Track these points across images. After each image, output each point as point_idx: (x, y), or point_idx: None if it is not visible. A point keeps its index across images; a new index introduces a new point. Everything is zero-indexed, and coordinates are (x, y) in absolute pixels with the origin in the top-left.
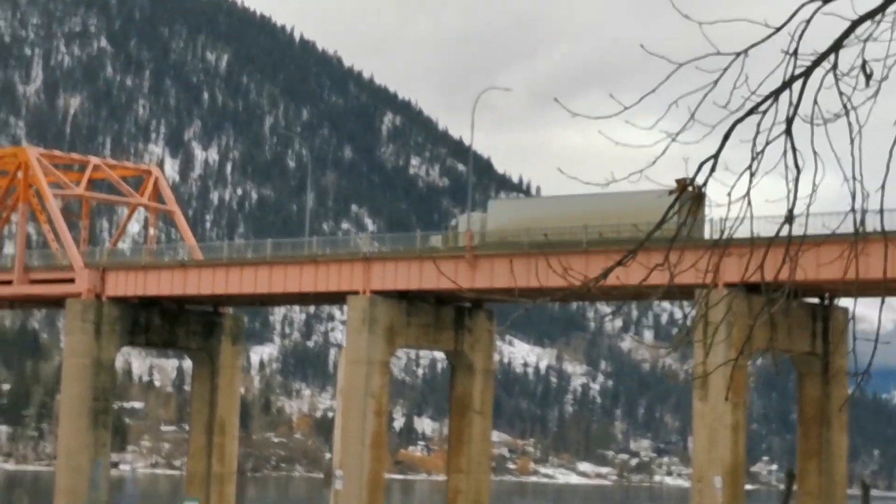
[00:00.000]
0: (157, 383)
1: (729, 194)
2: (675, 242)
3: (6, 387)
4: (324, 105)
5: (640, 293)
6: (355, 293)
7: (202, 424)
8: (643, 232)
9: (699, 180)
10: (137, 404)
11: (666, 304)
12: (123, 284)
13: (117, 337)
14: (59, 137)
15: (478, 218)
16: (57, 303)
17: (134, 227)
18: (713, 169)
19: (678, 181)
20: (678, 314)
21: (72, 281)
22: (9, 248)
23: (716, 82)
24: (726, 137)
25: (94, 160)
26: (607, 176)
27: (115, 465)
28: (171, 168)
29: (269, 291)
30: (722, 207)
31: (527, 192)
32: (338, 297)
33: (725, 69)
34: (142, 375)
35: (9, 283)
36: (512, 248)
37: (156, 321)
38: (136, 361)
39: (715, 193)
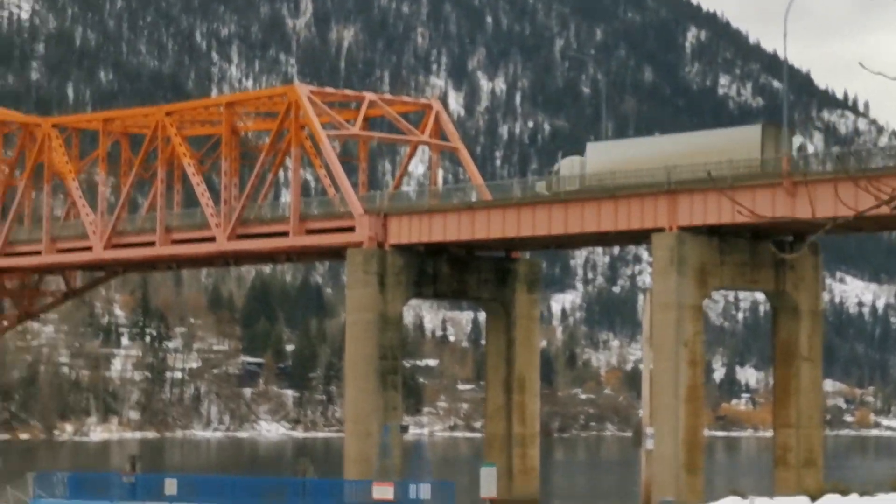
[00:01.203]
0: (451, 338)
1: None
2: None
3: (290, 347)
4: (619, 23)
5: None
6: (660, 230)
7: (499, 382)
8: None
9: None
10: (431, 362)
11: None
12: (407, 231)
13: (403, 289)
14: (333, 74)
15: (577, 161)
16: (337, 254)
17: (419, 168)
18: None
19: None
20: None
21: (351, 229)
22: (286, 196)
23: None
24: None
25: (369, 96)
26: None
27: (405, 428)
28: (455, 101)
29: (564, 232)
30: None
31: (853, 108)
32: (641, 236)
33: None
34: (434, 330)
35: (285, 234)
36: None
37: (444, 270)
38: (428, 315)
39: None
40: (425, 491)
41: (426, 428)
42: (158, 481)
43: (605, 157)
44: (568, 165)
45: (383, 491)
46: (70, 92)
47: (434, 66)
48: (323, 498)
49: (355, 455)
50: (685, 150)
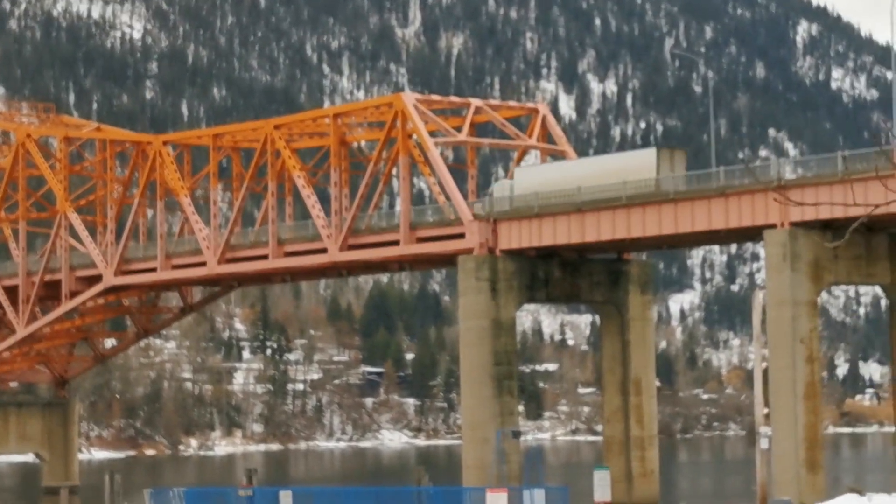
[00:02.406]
0: (570, 342)
1: None
2: None
3: (410, 356)
4: (729, 20)
5: None
6: (772, 227)
7: (616, 385)
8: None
9: None
10: (551, 366)
11: None
12: (517, 236)
13: (515, 294)
14: (443, 82)
15: (507, 184)
16: (449, 261)
17: None
18: None
19: None
20: None
21: (462, 236)
22: (399, 205)
23: None
24: None
25: (475, 102)
26: None
27: (517, 434)
28: (567, 105)
29: (675, 232)
30: None
31: None
32: (753, 233)
33: None
34: (553, 334)
35: (396, 243)
36: None
37: (555, 274)
38: (547, 319)
39: None
40: (539, 497)
41: (548, 432)
42: (275, 494)
43: (529, 180)
44: (499, 188)
45: (497, 498)
46: (184, 109)
47: (544, 70)
48: None
49: (473, 462)
50: (593, 172)
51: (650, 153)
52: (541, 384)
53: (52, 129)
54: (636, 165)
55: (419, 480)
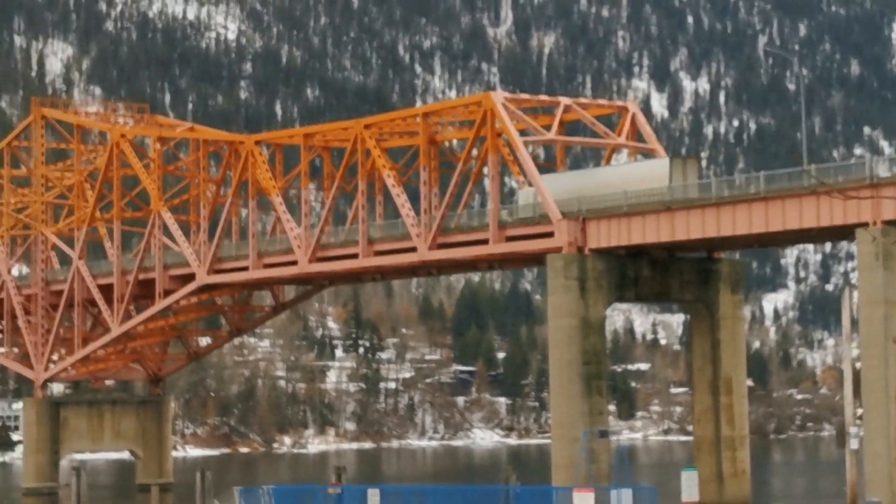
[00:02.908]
0: (662, 341)
1: None
2: None
3: (501, 355)
4: (823, 17)
5: None
6: (864, 225)
7: (706, 384)
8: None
9: None
10: (643, 366)
11: None
12: (606, 234)
13: (604, 293)
14: (534, 81)
15: (531, 192)
16: (539, 260)
17: None
18: None
19: None
20: None
21: (551, 235)
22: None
23: None
24: None
25: (564, 101)
26: None
27: (605, 433)
28: (659, 103)
29: (766, 230)
30: None
31: None
32: (845, 232)
33: None
34: (645, 334)
35: (485, 242)
36: None
37: (645, 272)
38: (639, 319)
39: None
40: (627, 497)
41: (640, 432)
42: (363, 492)
43: (552, 187)
44: (524, 196)
45: (584, 497)
46: (278, 109)
47: (636, 69)
48: None
49: (562, 461)
50: (612, 179)
51: (664, 162)
52: (633, 384)
53: (147, 130)
54: (650, 174)
55: (507, 479)
